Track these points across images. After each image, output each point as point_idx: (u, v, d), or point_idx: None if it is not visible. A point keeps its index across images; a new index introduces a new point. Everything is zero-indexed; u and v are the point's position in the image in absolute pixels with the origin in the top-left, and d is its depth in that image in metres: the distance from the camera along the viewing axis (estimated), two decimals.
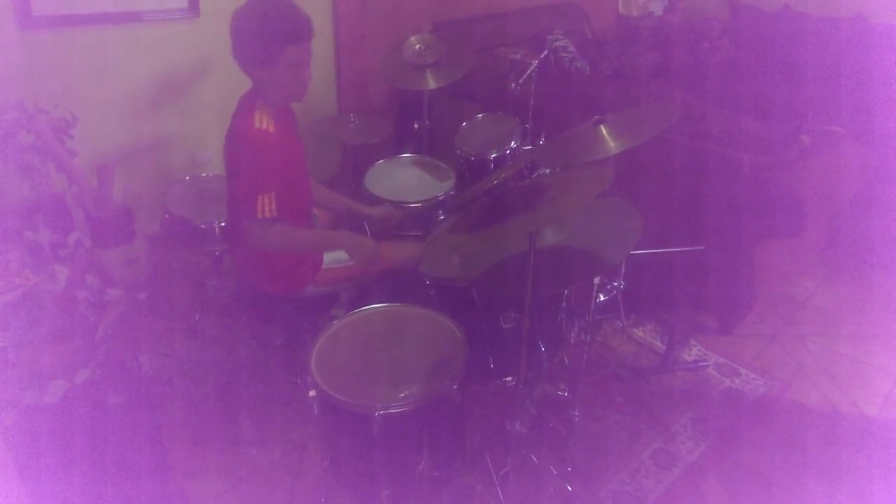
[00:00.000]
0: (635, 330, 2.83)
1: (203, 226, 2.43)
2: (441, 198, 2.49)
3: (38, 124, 2.39)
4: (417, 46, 2.73)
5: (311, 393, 1.70)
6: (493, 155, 2.55)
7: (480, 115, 2.76)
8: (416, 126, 2.92)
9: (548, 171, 2.25)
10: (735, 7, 4.66)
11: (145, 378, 2.33)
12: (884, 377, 2.60)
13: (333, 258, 2.11)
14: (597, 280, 1.89)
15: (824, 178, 2.69)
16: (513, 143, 2.56)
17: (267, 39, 1.77)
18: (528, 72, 2.58)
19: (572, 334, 2.08)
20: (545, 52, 2.72)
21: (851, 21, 3.98)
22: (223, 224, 2.38)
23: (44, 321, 1.88)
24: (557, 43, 3.81)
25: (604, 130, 1.90)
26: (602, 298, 2.25)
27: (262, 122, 1.83)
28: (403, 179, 2.62)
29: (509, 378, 2.11)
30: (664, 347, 2.69)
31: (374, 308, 1.92)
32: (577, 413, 2.12)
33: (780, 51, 4.10)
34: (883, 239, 3.09)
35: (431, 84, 2.74)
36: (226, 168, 1.99)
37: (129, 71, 2.92)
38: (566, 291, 2.06)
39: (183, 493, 2.05)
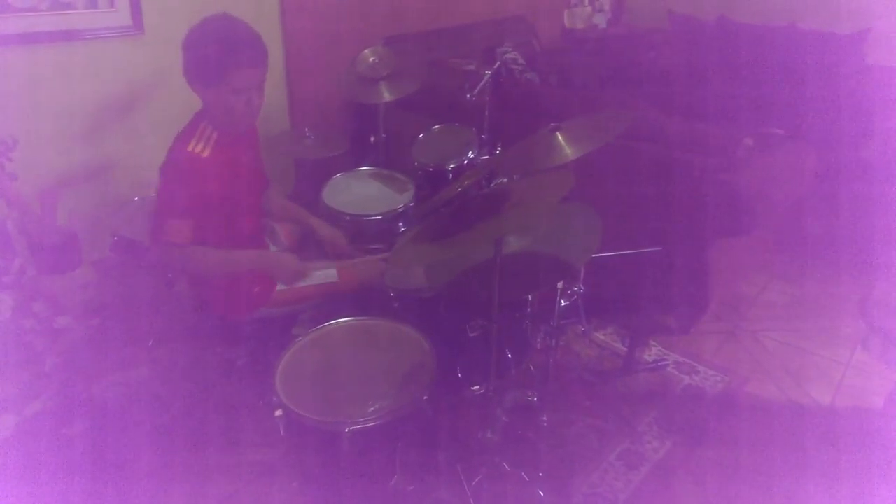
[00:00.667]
0: (596, 333, 2.87)
1: None
2: (401, 209, 2.48)
3: None
4: (371, 59, 2.73)
5: (278, 412, 1.66)
6: (452, 165, 2.56)
7: (437, 127, 2.77)
8: (372, 139, 2.90)
9: (506, 179, 2.27)
10: (674, 18, 4.83)
11: (101, 408, 2.24)
12: (835, 367, 2.70)
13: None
14: (560, 284, 1.91)
15: (769, 177, 2.79)
16: (470, 153, 2.58)
17: (213, 62, 1.74)
18: (482, 83, 2.61)
19: (538, 340, 2.09)
20: (497, 63, 2.76)
21: (784, 29, 4.17)
22: None
23: None
24: (507, 55, 3.88)
25: (560, 137, 1.93)
26: (563, 304, 2.27)
27: (199, 145, 1.81)
28: (362, 192, 2.60)
29: (476, 387, 2.11)
30: (625, 349, 2.74)
31: (338, 323, 1.89)
32: (545, 418, 2.13)
33: (717, 58, 4.26)
34: (830, 237, 3.23)
35: (386, 97, 2.74)
36: None
37: (69, 91, 2.81)
38: (530, 298, 2.07)
39: None
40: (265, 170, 2.21)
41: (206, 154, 1.80)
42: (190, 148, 1.79)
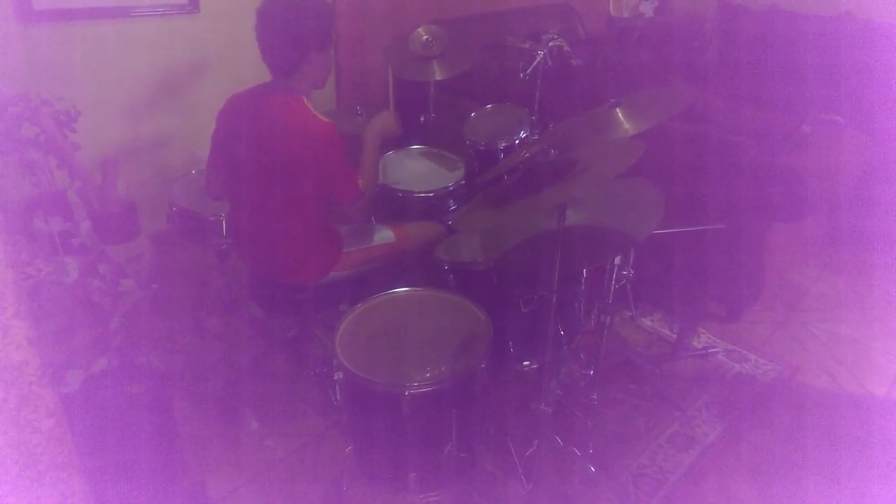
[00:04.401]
0: (644, 319, 2.84)
1: (211, 218, 2.40)
2: (451, 188, 2.48)
3: (41, 117, 2.35)
4: (424, 37, 2.73)
5: (337, 375, 1.68)
6: (503, 144, 2.55)
7: (489, 106, 2.77)
8: (422, 119, 2.91)
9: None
10: (724, 7, 4.74)
11: (155, 373, 2.29)
12: (889, 360, 2.63)
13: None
14: (617, 260, 1.90)
15: (825, 165, 2.73)
16: (522, 132, 2.56)
17: (327, 24, 1.81)
18: (537, 61, 2.60)
19: (592, 317, 2.08)
20: (550, 45, 2.73)
21: (840, 18, 4.06)
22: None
23: (56, 312, 1.84)
24: (553, 43, 3.84)
25: (619, 113, 1.91)
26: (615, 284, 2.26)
27: (318, 114, 1.84)
28: (413, 169, 2.61)
29: (527, 362, 2.11)
30: (673, 335, 2.71)
31: (396, 292, 1.91)
32: (595, 397, 2.12)
33: (769, 48, 4.17)
34: (885, 227, 3.14)
35: (438, 75, 2.74)
36: (274, 163, 1.87)
37: (129, 66, 2.88)
38: (584, 274, 2.06)
39: (198, 486, 2.01)
40: None
41: (328, 120, 1.85)
42: (322, 118, 1.83)
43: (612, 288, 2.01)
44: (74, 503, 1.11)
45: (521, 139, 2.56)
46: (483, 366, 1.65)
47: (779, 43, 4.16)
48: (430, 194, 2.45)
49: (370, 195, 2.02)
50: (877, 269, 3.22)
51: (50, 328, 1.76)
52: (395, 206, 2.46)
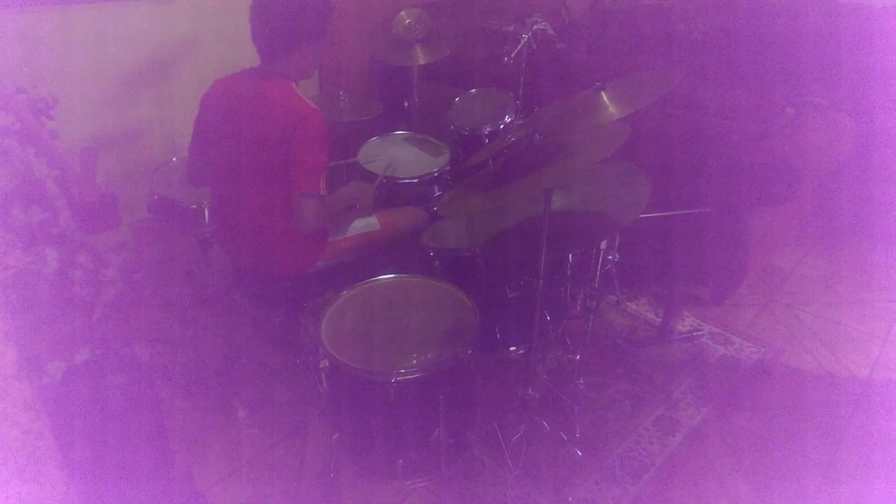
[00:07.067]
0: (629, 303, 2.86)
1: (193, 206, 2.37)
2: (436, 173, 2.47)
3: (17, 104, 2.29)
4: (407, 21, 2.70)
5: (323, 363, 1.67)
6: (488, 129, 2.53)
7: (474, 90, 2.75)
8: (405, 104, 2.88)
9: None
10: None
11: (139, 364, 2.26)
12: (872, 341, 2.67)
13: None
14: (603, 245, 1.90)
15: (808, 146, 2.74)
16: (507, 117, 2.55)
17: (324, 15, 1.81)
18: (521, 45, 2.57)
19: (577, 302, 2.09)
20: (534, 28, 2.71)
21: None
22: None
23: (36, 304, 1.81)
24: (537, 26, 3.82)
25: (605, 97, 1.90)
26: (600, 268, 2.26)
27: (311, 102, 1.81)
28: (398, 155, 2.59)
29: (514, 348, 2.11)
30: (659, 320, 2.72)
31: (381, 279, 1.90)
32: (581, 381, 2.13)
33: (756, 30, 4.17)
34: (866, 210, 3.17)
35: (421, 60, 2.72)
36: (262, 148, 1.84)
37: (103, 54, 2.82)
38: (570, 260, 2.06)
39: (186, 477, 2.00)
40: None
41: (317, 107, 1.81)
42: (312, 105, 1.80)
43: (598, 272, 2.01)
44: (54, 496, 1.10)
45: (505, 124, 2.55)
46: (469, 352, 1.64)
47: (765, 24, 4.16)
48: (415, 180, 2.44)
49: (323, 219, 1.93)
50: (860, 250, 3.25)
51: (30, 320, 1.73)
52: (379, 192, 2.44)
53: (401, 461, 1.70)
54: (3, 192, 2.43)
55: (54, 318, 1.75)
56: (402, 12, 2.73)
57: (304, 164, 1.79)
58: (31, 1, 2.56)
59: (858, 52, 3.70)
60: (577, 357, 2.08)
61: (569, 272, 2.09)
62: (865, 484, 2.03)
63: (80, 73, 2.77)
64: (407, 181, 2.44)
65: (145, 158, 2.97)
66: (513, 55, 2.58)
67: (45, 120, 2.44)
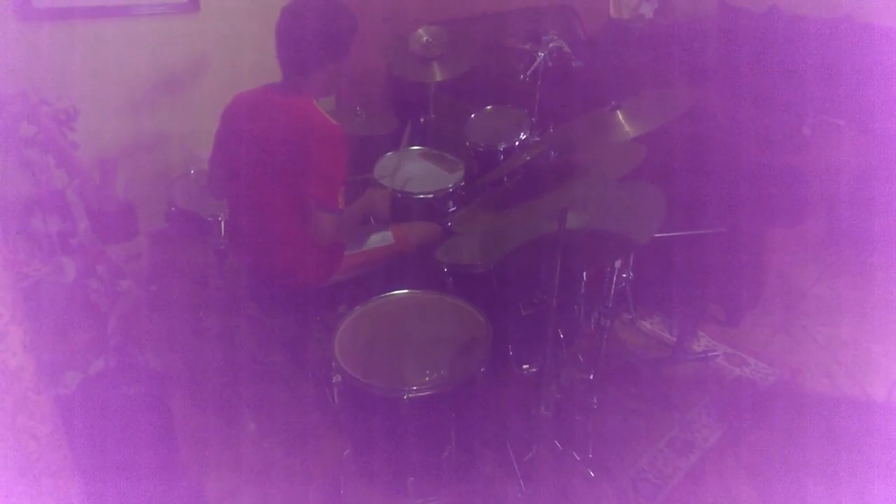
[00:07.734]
0: (643, 322, 2.84)
1: (210, 219, 2.39)
2: (451, 189, 2.47)
3: (40, 116, 2.33)
4: (425, 38, 2.72)
5: (335, 378, 1.67)
6: (503, 146, 2.54)
7: (489, 107, 2.76)
8: (421, 119, 2.90)
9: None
10: (724, 9, 4.73)
11: (153, 374, 2.28)
12: (889, 362, 2.63)
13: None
14: (617, 263, 1.89)
15: (825, 168, 2.72)
16: (522, 134, 2.56)
17: (350, 35, 1.83)
18: (537, 63, 2.59)
19: (591, 321, 2.07)
20: (550, 46, 2.73)
21: (839, 21, 4.06)
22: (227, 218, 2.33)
23: (54, 313, 1.83)
24: (553, 44, 3.83)
25: (620, 115, 1.91)
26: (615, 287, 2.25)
27: (331, 118, 1.82)
28: (413, 171, 2.60)
29: (527, 366, 2.10)
30: (673, 339, 2.70)
31: (394, 294, 1.90)
32: (595, 400, 2.11)
33: (769, 50, 4.16)
34: (882, 231, 3.14)
35: (438, 76, 2.73)
36: (282, 163, 1.84)
37: (128, 65, 2.87)
38: (584, 278, 2.05)
39: (197, 491, 2.00)
40: None
41: (337, 123, 1.83)
42: (333, 121, 1.81)
43: (612, 291, 2.00)
44: None
45: (521, 141, 2.56)
46: (482, 369, 1.64)
47: (779, 45, 4.15)
48: (430, 196, 2.45)
49: (339, 234, 1.94)
50: (876, 270, 3.21)
51: (47, 329, 1.75)
52: (394, 207, 2.45)
53: (412, 478, 1.69)
54: (25, 202, 2.47)
55: (70, 328, 1.77)
56: (419, 30, 2.75)
57: (324, 180, 1.80)
58: (60, 14, 2.62)
59: (878, 75, 3.69)
60: (591, 376, 2.06)
61: (583, 290, 2.08)
62: (865, 484, 2.00)
63: (105, 85, 2.82)
64: (422, 196, 2.45)
65: (164, 169, 3.01)
66: (529, 73, 2.59)
67: (67, 131, 2.49)
